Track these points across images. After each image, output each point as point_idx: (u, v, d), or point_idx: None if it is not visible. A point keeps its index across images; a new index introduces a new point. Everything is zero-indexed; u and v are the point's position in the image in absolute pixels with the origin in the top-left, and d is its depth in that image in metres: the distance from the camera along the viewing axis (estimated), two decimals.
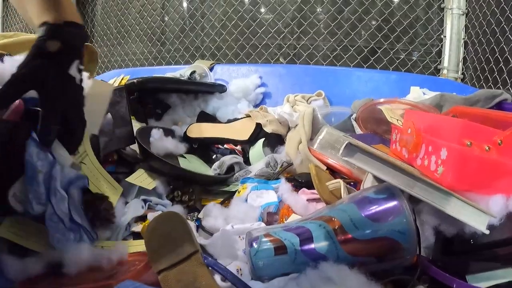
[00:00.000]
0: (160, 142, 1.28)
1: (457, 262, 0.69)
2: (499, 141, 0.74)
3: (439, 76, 2.15)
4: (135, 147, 1.23)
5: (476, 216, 0.64)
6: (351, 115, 1.31)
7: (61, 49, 0.70)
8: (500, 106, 1.09)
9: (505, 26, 1.71)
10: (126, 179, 1.07)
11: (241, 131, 1.41)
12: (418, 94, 1.45)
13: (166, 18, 2.79)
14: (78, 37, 0.74)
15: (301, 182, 1.03)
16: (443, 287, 0.66)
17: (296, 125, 1.34)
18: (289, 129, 1.37)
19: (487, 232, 0.62)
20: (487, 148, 0.74)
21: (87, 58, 1.34)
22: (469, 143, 0.74)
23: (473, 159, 0.72)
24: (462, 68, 2.10)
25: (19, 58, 0.71)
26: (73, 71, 0.72)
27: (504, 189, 0.71)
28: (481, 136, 0.75)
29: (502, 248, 0.65)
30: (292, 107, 1.56)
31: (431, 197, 0.65)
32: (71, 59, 0.72)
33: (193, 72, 1.77)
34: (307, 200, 0.93)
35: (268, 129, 1.36)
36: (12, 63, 0.79)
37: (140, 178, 1.09)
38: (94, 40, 3.08)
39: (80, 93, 0.76)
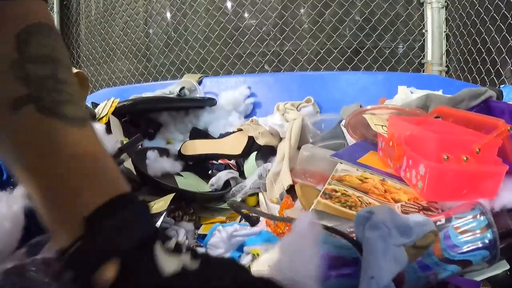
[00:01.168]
0: (156, 163, 1.29)
1: None
2: (477, 150, 0.76)
3: (423, 70, 2.18)
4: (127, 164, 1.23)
5: None
6: (341, 121, 1.33)
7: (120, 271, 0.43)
8: (487, 103, 1.11)
9: (485, 16, 1.74)
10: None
11: (234, 145, 1.42)
12: (405, 93, 1.46)
13: (150, 32, 2.80)
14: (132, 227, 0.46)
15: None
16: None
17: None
18: (280, 139, 1.39)
19: None
20: (465, 158, 0.77)
21: (78, 84, 1.35)
22: (446, 157, 0.77)
23: (451, 172, 0.76)
24: (446, 60, 2.13)
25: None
26: None
27: (485, 193, 0.74)
28: (457, 148, 0.77)
29: None
30: (283, 115, 1.57)
31: None
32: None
33: (182, 88, 1.78)
34: None
35: (260, 141, 1.38)
36: None
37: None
38: (80, 60, 3.08)
39: None
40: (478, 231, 0.63)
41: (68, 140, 0.44)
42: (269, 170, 1.23)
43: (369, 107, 1.10)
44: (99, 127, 1.24)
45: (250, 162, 1.35)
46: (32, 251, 0.57)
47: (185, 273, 0.43)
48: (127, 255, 0.41)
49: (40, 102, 0.44)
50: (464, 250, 0.63)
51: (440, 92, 1.41)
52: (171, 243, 0.45)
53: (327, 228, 0.57)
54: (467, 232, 0.63)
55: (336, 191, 0.78)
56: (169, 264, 0.43)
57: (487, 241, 0.63)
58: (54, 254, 0.42)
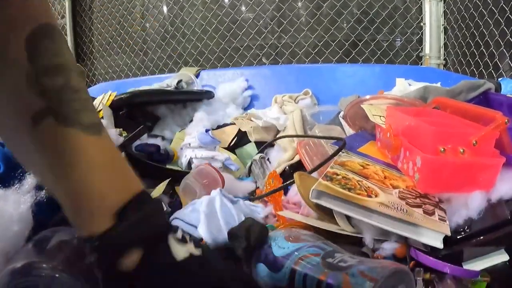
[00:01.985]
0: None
1: (453, 252, 0.71)
2: (474, 142, 0.76)
3: (421, 63, 2.18)
4: None
5: (432, 234, 0.67)
6: (339, 113, 1.33)
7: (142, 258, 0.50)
8: (485, 96, 1.11)
9: (483, 10, 1.73)
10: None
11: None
12: (403, 86, 1.46)
13: (147, 26, 2.79)
14: (152, 220, 0.53)
15: None
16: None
17: (285, 128, 1.35)
18: (277, 132, 1.38)
19: (441, 246, 0.66)
20: (461, 150, 0.77)
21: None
22: (442, 149, 0.77)
23: (447, 165, 0.76)
24: (444, 54, 2.13)
25: None
26: None
27: (482, 185, 0.74)
28: (454, 140, 0.78)
29: (492, 233, 0.68)
30: (281, 107, 1.57)
31: (389, 224, 0.69)
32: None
33: (180, 81, 1.78)
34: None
35: (252, 137, 1.37)
36: None
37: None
38: (77, 54, 3.07)
39: None
40: None
41: (89, 149, 0.49)
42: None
43: (367, 96, 1.10)
44: None
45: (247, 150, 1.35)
46: (39, 246, 0.60)
47: (192, 258, 0.51)
48: (148, 244, 0.48)
49: (58, 114, 0.47)
50: None
51: (438, 85, 1.40)
52: (179, 234, 0.52)
53: None
54: None
55: (338, 175, 0.79)
56: (179, 251, 0.50)
57: None
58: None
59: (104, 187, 0.49)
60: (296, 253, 0.62)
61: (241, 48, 2.48)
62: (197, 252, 0.52)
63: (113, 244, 0.47)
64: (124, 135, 1.26)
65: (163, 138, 1.52)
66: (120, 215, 0.48)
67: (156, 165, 1.24)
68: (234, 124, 1.49)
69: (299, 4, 2.36)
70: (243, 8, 2.47)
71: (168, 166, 1.33)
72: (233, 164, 1.26)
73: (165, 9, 2.72)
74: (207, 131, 1.36)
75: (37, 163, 0.50)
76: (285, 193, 1.00)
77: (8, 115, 0.49)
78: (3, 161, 0.64)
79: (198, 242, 0.56)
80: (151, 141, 1.39)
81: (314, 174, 0.92)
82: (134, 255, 0.48)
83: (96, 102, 1.55)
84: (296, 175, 0.83)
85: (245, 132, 1.42)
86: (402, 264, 0.59)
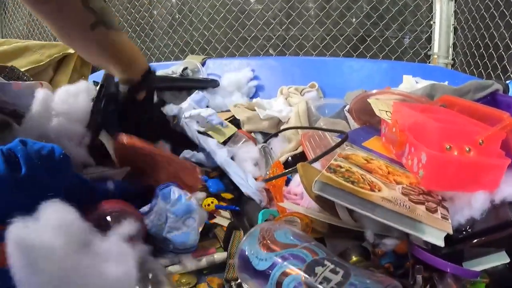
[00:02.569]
0: None
1: (454, 251, 0.70)
2: (481, 141, 0.76)
3: (429, 62, 2.16)
4: None
5: (434, 232, 0.67)
6: (345, 106, 1.32)
7: (146, 95, 1.01)
8: (493, 96, 1.10)
9: (494, 11, 1.72)
10: None
11: None
12: (410, 83, 1.45)
13: (154, 13, 2.78)
14: (153, 80, 1.03)
15: None
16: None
17: (289, 119, 1.34)
18: (280, 123, 1.37)
19: (443, 245, 0.65)
20: (467, 149, 0.76)
21: (79, 61, 1.35)
22: (448, 146, 0.76)
23: (453, 162, 0.75)
24: (453, 53, 2.11)
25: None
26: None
27: (486, 185, 0.73)
28: (460, 138, 0.77)
29: (494, 234, 0.67)
30: (286, 99, 1.56)
31: (391, 219, 0.68)
32: (152, 98, 1.06)
33: (185, 68, 1.77)
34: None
35: (245, 127, 1.37)
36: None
37: None
38: None
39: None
40: None
41: (123, 40, 0.94)
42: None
43: (374, 91, 1.09)
44: None
45: None
46: None
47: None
48: (149, 90, 1.02)
49: (105, 23, 0.87)
50: None
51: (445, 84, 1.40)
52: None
53: None
54: None
55: (341, 167, 0.78)
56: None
57: None
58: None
59: (138, 59, 0.98)
60: (277, 265, 0.61)
61: (248, 39, 2.46)
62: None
63: (142, 86, 0.99)
64: None
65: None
66: (144, 75, 0.98)
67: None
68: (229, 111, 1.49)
69: None
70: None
71: None
72: (216, 119, 1.27)
73: None
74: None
75: (95, 54, 0.94)
76: (287, 184, 1.00)
77: (73, 27, 0.86)
78: (26, 162, 0.60)
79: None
80: None
81: (317, 167, 0.91)
82: (143, 93, 1.00)
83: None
84: (299, 166, 0.82)
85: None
86: (393, 280, 0.59)
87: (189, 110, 1.30)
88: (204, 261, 0.81)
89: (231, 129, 1.27)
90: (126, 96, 0.98)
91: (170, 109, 1.27)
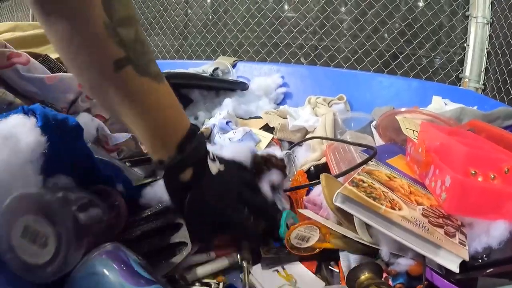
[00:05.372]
0: None
1: (468, 278, 0.70)
2: (506, 170, 0.75)
3: (460, 85, 2.14)
4: None
5: (449, 257, 0.67)
6: (371, 121, 1.32)
7: (193, 173, 0.70)
8: None
9: None
10: None
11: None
12: (439, 104, 1.45)
13: (190, 12, 2.81)
14: (199, 149, 0.72)
15: None
16: None
17: (315, 128, 1.35)
18: (307, 132, 1.38)
19: (457, 271, 0.65)
20: (492, 176, 0.76)
21: None
22: (473, 172, 0.76)
23: (476, 189, 0.74)
24: (484, 78, 2.08)
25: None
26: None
27: (507, 215, 0.73)
28: (486, 164, 0.76)
29: (510, 265, 0.67)
30: (313, 109, 1.57)
31: (409, 239, 0.69)
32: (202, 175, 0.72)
33: (216, 68, 1.79)
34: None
35: (277, 134, 1.38)
36: None
37: None
38: None
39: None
40: None
41: (160, 94, 0.65)
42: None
43: (403, 109, 1.09)
44: None
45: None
46: None
47: (221, 172, 0.75)
48: (196, 165, 0.70)
49: (135, 63, 0.59)
50: None
51: (475, 108, 1.39)
52: (211, 154, 0.74)
53: None
54: None
55: (364, 182, 0.79)
56: (213, 168, 0.74)
57: None
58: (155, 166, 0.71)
59: (172, 123, 0.68)
60: None
61: (281, 45, 2.47)
62: (221, 167, 0.76)
63: (177, 166, 0.68)
64: None
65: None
66: (181, 144, 0.68)
67: None
68: (261, 118, 1.50)
69: (343, 8, 2.35)
70: (288, 5, 2.47)
71: None
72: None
73: None
74: (227, 123, 1.38)
75: (117, 106, 0.63)
76: (307, 193, 1.01)
77: (92, 65, 0.59)
78: (42, 119, 0.63)
79: (222, 159, 0.78)
80: None
81: (340, 179, 0.92)
82: (189, 172, 0.69)
83: None
84: (322, 176, 0.83)
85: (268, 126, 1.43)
86: None
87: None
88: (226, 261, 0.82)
89: (267, 138, 1.30)
90: (165, 183, 0.71)
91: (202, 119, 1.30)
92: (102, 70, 0.59)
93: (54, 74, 0.99)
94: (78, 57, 0.58)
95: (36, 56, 1.02)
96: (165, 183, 0.70)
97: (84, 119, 0.97)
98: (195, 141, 0.69)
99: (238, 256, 0.82)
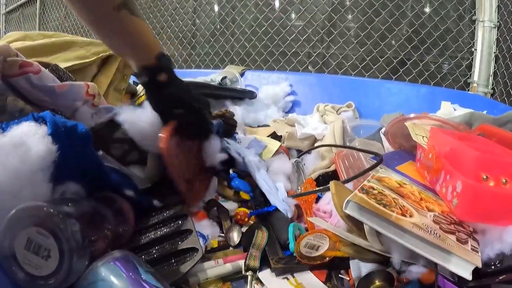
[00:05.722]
0: None
1: (480, 285, 0.70)
2: None
3: (468, 90, 2.13)
4: None
5: (462, 264, 0.66)
6: (380, 128, 1.32)
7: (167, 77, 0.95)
8: None
9: None
10: None
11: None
12: (448, 110, 1.44)
13: (197, 22, 2.83)
14: (169, 61, 0.98)
15: None
16: None
17: (323, 136, 1.35)
18: (315, 140, 1.38)
19: (470, 278, 0.64)
20: (504, 180, 0.75)
21: (123, 62, 1.38)
22: (485, 176, 0.75)
23: (488, 193, 0.73)
24: (493, 82, 2.07)
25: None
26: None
27: None
28: (498, 169, 0.75)
29: None
30: (322, 116, 1.57)
31: (420, 246, 0.68)
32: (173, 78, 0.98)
33: (224, 77, 1.80)
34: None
35: (285, 143, 1.38)
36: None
37: None
38: None
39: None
40: None
41: (144, 27, 0.92)
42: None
43: (412, 115, 1.09)
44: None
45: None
46: None
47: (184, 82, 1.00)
48: (170, 71, 0.95)
49: (129, 7, 0.87)
50: None
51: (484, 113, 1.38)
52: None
53: None
54: None
55: (374, 189, 0.79)
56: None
57: None
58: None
59: (152, 42, 0.94)
60: None
61: (288, 54, 2.48)
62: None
63: (157, 68, 0.93)
64: None
65: None
66: (158, 57, 0.92)
67: None
68: (269, 126, 1.50)
69: (350, 16, 2.35)
70: (295, 14, 2.47)
71: None
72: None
73: (216, 7, 2.75)
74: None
75: (114, 38, 0.93)
76: (316, 201, 1.01)
77: (97, 8, 0.85)
78: (52, 126, 0.64)
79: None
80: None
81: (349, 187, 0.91)
82: (164, 75, 0.93)
83: (139, 87, 1.59)
84: (332, 184, 0.82)
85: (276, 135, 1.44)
86: None
87: None
88: (229, 267, 0.83)
89: (275, 145, 1.30)
90: (147, 84, 0.95)
91: None
92: (106, 11, 0.85)
93: (64, 82, 1.03)
94: (90, 5, 0.86)
95: (45, 65, 1.05)
96: (148, 82, 0.93)
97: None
98: (167, 57, 0.96)
99: (243, 265, 0.83)
